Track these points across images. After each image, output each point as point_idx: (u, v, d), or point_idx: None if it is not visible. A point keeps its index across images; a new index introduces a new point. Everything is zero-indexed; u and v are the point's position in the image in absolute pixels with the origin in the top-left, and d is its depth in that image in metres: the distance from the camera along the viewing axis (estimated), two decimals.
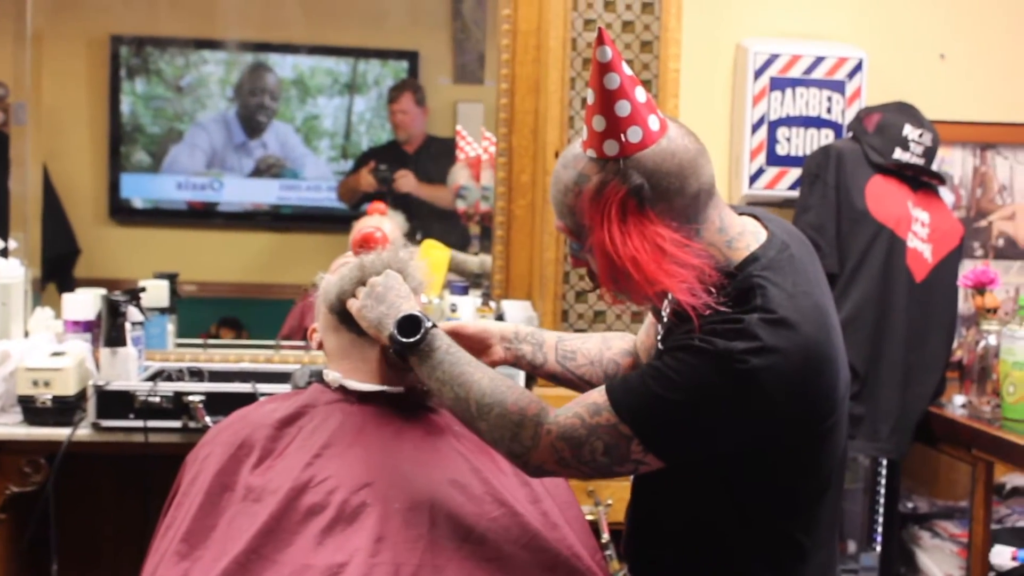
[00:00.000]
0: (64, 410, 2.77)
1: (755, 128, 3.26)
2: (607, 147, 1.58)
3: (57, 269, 4.17)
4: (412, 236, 3.85)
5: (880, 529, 3.12)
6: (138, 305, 2.94)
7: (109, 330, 2.83)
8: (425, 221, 4.03)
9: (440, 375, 1.73)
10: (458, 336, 1.93)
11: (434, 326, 1.77)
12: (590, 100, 1.60)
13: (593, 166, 1.60)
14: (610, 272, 1.59)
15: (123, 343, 2.83)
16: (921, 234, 3.01)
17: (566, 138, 2.96)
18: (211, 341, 3.66)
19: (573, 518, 1.92)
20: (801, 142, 3.26)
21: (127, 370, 2.84)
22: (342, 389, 1.96)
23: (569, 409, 1.64)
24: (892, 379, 2.96)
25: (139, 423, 2.74)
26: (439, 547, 1.72)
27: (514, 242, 3.20)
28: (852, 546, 3.18)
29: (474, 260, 3.65)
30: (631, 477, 1.80)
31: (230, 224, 4.56)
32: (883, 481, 3.09)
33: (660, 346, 1.71)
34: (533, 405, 1.66)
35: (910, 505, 3.18)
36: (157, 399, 2.75)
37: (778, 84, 3.25)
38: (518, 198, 3.18)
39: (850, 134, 3.16)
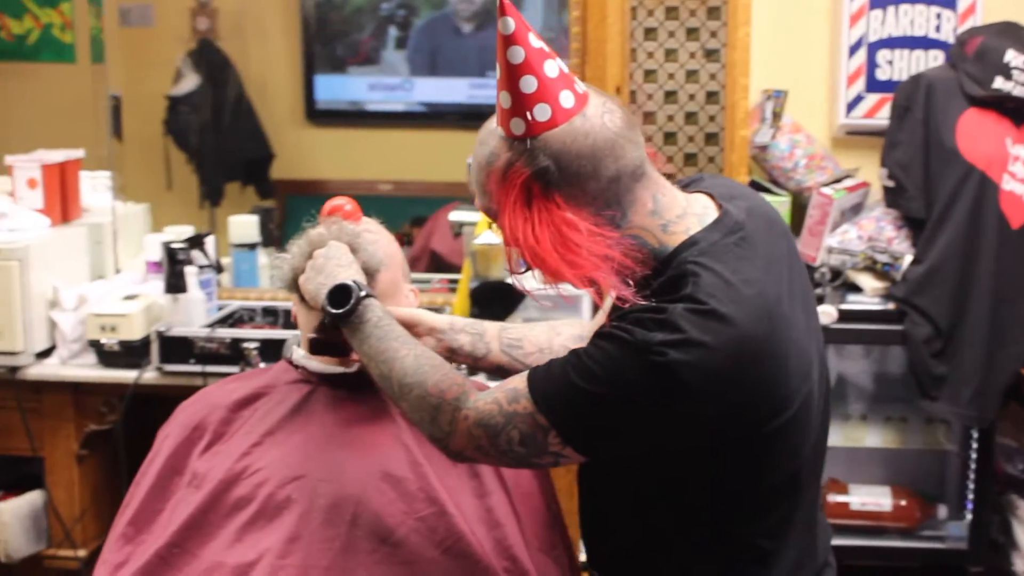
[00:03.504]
0: (132, 353, 2.86)
1: (852, 51, 2.97)
2: (514, 126, 1.47)
3: (252, 173, 4.33)
4: None
5: (971, 497, 2.86)
6: (203, 250, 2.97)
7: (169, 277, 2.88)
8: None
9: (367, 349, 1.65)
10: None
11: (367, 296, 1.68)
12: (497, 74, 1.48)
13: (503, 144, 1.49)
14: (516, 258, 1.50)
15: (183, 289, 2.87)
16: (1021, 174, 2.67)
17: (627, 72, 2.77)
18: None
19: (530, 511, 1.83)
20: (905, 66, 2.95)
21: (189, 315, 2.88)
22: (304, 369, 1.92)
23: (490, 394, 1.54)
24: (976, 337, 2.69)
25: (199, 368, 2.80)
26: (354, 549, 1.66)
27: None
28: (943, 512, 2.93)
29: None
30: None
31: (422, 123, 4.56)
32: (974, 445, 2.82)
33: None
34: (454, 388, 1.56)
35: (1021, 467, 2.89)
36: (214, 345, 2.80)
37: (879, 1, 2.94)
38: None
39: (949, 61, 2.83)
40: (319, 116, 4.43)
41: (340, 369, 1.87)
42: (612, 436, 1.47)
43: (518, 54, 1.45)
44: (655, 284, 1.48)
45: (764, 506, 1.55)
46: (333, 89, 4.49)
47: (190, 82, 4.29)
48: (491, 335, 1.83)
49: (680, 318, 1.40)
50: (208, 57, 4.28)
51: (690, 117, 2.85)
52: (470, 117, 4.41)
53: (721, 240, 1.49)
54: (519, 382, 1.52)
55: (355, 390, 1.86)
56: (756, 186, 3.01)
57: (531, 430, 1.48)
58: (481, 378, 2.65)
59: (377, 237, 1.92)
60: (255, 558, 1.65)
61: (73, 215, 3.20)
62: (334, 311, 1.68)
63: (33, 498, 2.97)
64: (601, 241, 1.45)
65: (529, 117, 1.45)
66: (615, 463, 1.56)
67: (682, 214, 1.52)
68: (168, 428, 1.93)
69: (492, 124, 1.53)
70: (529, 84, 1.45)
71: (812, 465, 1.60)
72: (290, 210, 4.43)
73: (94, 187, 3.41)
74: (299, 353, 1.94)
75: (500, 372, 1.84)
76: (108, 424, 2.90)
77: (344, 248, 1.81)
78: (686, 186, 1.64)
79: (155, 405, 3.00)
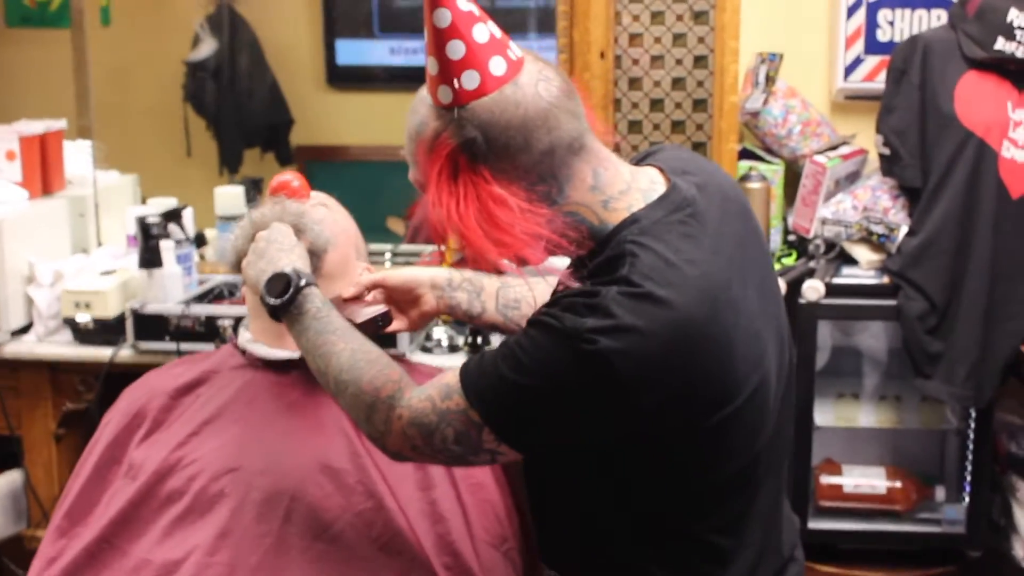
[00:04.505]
0: (108, 330, 2.79)
1: (851, 11, 2.84)
2: (441, 94, 1.39)
3: (272, 139, 4.28)
4: None
5: (969, 478, 2.74)
6: (179, 223, 2.89)
7: (143, 252, 2.81)
8: None
9: (304, 343, 1.58)
10: (383, 287, 1.78)
11: (307, 285, 1.60)
12: (425, 39, 1.40)
13: (432, 113, 1.41)
14: (440, 235, 1.41)
15: (158, 264, 2.80)
16: (1022, 141, 2.54)
17: (612, 36, 2.66)
18: None
19: (479, 503, 1.74)
20: (907, 26, 2.83)
21: (165, 291, 2.81)
22: (249, 353, 1.84)
23: (424, 390, 1.46)
24: (973, 313, 2.57)
25: (174, 345, 2.73)
26: (286, 545, 1.60)
27: None
28: (941, 494, 2.82)
29: None
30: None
31: None
32: (972, 425, 2.70)
33: None
34: (389, 385, 1.48)
35: None
36: (189, 322, 2.73)
37: None
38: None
39: (948, 21, 2.69)
40: (340, 80, 4.36)
41: (286, 354, 1.80)
42: (546, 431, 1.39)
43: (444, 17, 1.36)
44: (591, 265, 1.39)
45: (715, 502, 1.47)
46: (354, 53, 4.40)
47: (208, 47, 4.24)
48: (488, 293, 1.78)
49: (612, 302, 1.31)
50: (226, 21, 4.23)
51: (677, 83, 2.73)
52: None
53: (665, 218, 1.40)
54: (452, 377, 1.43)
55: (300, 376, 1.79)
56: (748, 154, 2.90)
57: (465, 427, 1.40)
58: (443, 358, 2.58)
59: (324, 215, 1.84)
60: (182, 556, 1.59)
61: (55, 187, 3.13)
62: (271, 301, 1.60)
63: (12, 478, 2.92)
64: (532, 218, 1.36)
65: (456, 85, 1.37)
66: (556, 458, 1.48)
67: (625, 189, 1.42)
68: (110, 414, 1.87)
69: (423, 91, 1.44)
70: (456, 49, 1.36)
71: (770, 458, 1.51)
72: (311, 176, 4.37)
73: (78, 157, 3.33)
74: (245, 336, 1.86)
75: (496, 331, 1.80)
76: (85, 403, 2.84)
77: (287, 230, 1.74)
78: (643, 159, 1.55)
79: (132, 381, 2.96)
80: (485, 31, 1.38)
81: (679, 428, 1.38)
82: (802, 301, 2.63)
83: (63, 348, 2.83)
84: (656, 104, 2.75)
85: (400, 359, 1.85)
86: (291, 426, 1.72)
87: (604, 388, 1.32)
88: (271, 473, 1.65)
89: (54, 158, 3.13)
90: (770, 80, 2.79)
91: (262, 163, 4.22)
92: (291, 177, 1.90)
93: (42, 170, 3.07)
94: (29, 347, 2.83)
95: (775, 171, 2.83)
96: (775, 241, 2.88)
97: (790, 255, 2.87)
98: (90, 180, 3.21)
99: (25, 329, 2.88)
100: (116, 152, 3.51)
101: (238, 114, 4.31)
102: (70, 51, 3.65)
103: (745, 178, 2.79)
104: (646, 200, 1.42)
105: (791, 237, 2.90)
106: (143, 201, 3.36)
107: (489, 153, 1.37)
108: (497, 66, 1.37)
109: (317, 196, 1.90)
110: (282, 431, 1.72)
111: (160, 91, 4.23)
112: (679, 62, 2.72)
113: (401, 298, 1.79)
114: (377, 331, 1.72)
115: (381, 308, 1.74)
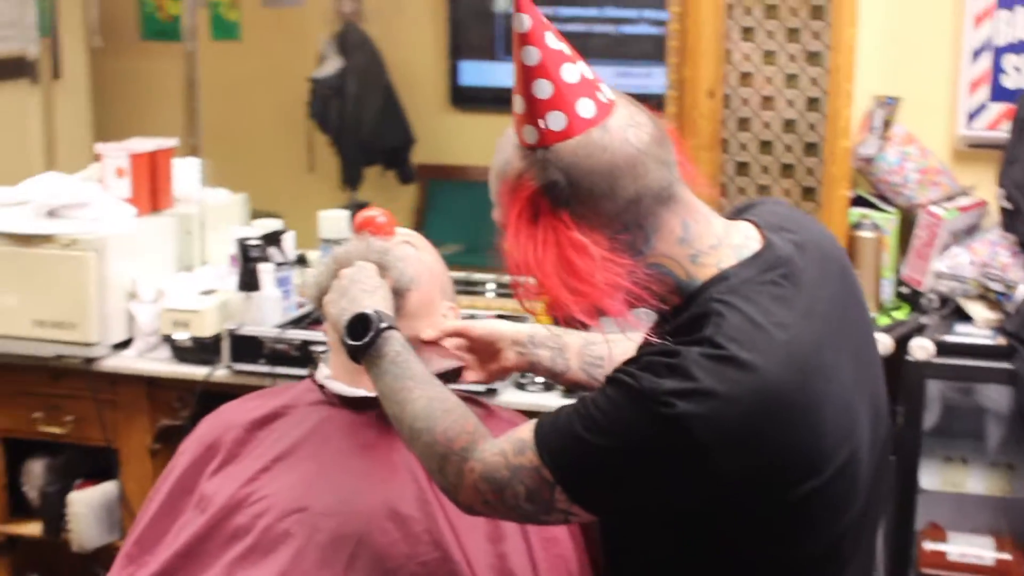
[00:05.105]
0: (205, 349, 2.81)
1: (976, 55, 2.71)
2: (526, 134, 1.35)
3: (393, 157, 4.35)
4: None
5: None
6: (279, 246, 2.90)
7: (242, 274, 2.82)
8: None
9: (382, 387, 1.55)
10: (464, 338, 1.75)
11: (388, 328, 1.57)
12: (513, 77, 1.37)
13: (517, 153, 1.37)
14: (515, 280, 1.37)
15: (256, 287, 2.81)
16: None
17: (722, 74, 2.58)
18: None
19: (552, 559, 1.69)
20: None
21: (262, 314, 2.82)
22: (326, 389, 1.82)
23: (498, 444, 1.41)
24: None
25: (268, 368, 2.74)
26: None
27: None
28: None
29: None
30: None
31: None
32: None
33: None
34: (463, 437, 1.43)
35: None
36: (284, 346, 2.73)
37: (1008, 0, 2.67)
38: (690, 137, 2.82)
39: None
40: (462, 101, 4.40)
41: (362, 392, 1.77)
42: (620, 494, 1.33)
43: (532, 55, 1.33)
44: (675, 322, 1.33)
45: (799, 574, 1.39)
46: (477, 74, 4.44)
47: (333, 64, 4.30)
48: (573, 351, 1.73)
49: (693, 364, 1.25)
50: (352, 40, 4.29)
51: (788, 125, 2.64)
52: None
53: (756, 277, 1.33)
54: (526, 432, 1.38)
55: (376, 416, 1.76)
56: (861, 201, 2.79)
57: (537, 485, 1.35)
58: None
59: (409, 253, 1.81)
60: None
61: (163, 204, 3.17)
62: (351, 343, 1.58)
63: (107, 489, 2.96)
64: (613, 268, 1.31)
65: (542, 125, 1.33)
66: (630, 523, 1.43)
67: (716, 244, 1.37)
68: (186, 443, 1.87)
69: (510, 130, 1.41)
70: (543, 89, 1.33)
71: (858, 534, 1.43)
72: (432, 195, 4.42)
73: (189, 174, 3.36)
74: (324, 372, 1.84)
75: (580, 389, 1.74)
76: (181, 419, 2.87)
77: (371, 269, 1.71)
78: (740, 212, 1.48)
79: (227, 400, 2.98)
80: (575, 71, 1.34)
81: (760, 499, 1.31)
82: (910, 359, 2.51)
83: (161, 365, 2.87)
84: (765, 146, 2.66)
85: (482, 404, 1.82)
86: (362, 467, 1.70)
87: (681, 453, 1.26)
88: (338, 515, 1.63)
89: (163, 176, 3.17)
90: (887, 125, 2.68)
91: (383, 180, 4.28)
92: (376, 213, 1.87)
93: (151, 187, 3.12)
94: (128, 362, 2.88)
95: (889, 220, 2.72)
96: (887, 293, 2.76)
97: (901, 308, 2.75)
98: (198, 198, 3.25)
99: (126, 344, 2.92)
100: (233, 167, 3.55)
101: (360, 132, 4.37)
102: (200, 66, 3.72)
103: (857, 226, 2.68)
104: (738, 257, 1.36)
105: (903, 289, 2.78)
106: (253, 219, 3.39)
107: (572, 198, 1.32)
108: (585, 108, 1.33)
109: (403, 233, 1.87)
110: (353, 472, 1.69)
111: (284, 106, 4.30)
112: (791, 103, 2.63)
113: (482, 349, 1.76)
114: (444, 384, 1.69)
115: (454, 363, 1.70)
